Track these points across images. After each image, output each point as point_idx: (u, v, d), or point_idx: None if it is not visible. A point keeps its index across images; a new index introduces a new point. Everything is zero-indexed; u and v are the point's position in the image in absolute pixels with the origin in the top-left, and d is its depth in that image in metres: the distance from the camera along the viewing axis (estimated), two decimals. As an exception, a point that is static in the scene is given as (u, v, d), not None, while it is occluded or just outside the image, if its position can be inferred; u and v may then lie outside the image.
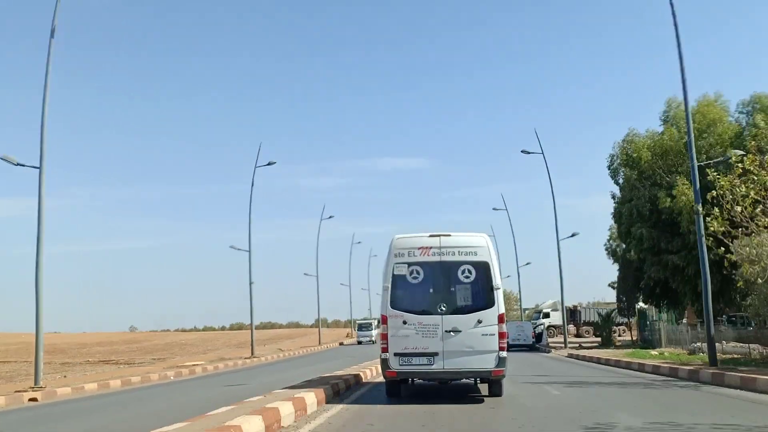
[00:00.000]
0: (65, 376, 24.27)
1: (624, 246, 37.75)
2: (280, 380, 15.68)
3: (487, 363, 10.26)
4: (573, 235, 35.87)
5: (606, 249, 46.95)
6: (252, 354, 33.17)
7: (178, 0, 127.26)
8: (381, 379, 12.58)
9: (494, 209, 49.31)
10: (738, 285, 19.53)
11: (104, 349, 55.28)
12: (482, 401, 10.73)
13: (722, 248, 15.43)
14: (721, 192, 14.60)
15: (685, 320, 37.38)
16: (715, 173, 14.91)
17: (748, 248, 15.56)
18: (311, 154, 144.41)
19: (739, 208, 14.50)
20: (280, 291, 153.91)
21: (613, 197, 35.47)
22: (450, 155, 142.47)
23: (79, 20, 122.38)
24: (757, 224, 14.98)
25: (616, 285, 42.57)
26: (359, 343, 52.34)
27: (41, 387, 15.73)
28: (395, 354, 10.35)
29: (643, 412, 9.08)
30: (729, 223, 15.09)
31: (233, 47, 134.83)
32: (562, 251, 34.20)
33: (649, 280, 32.65)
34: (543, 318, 54.73)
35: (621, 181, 34.24)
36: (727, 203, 14.59)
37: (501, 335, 10.27)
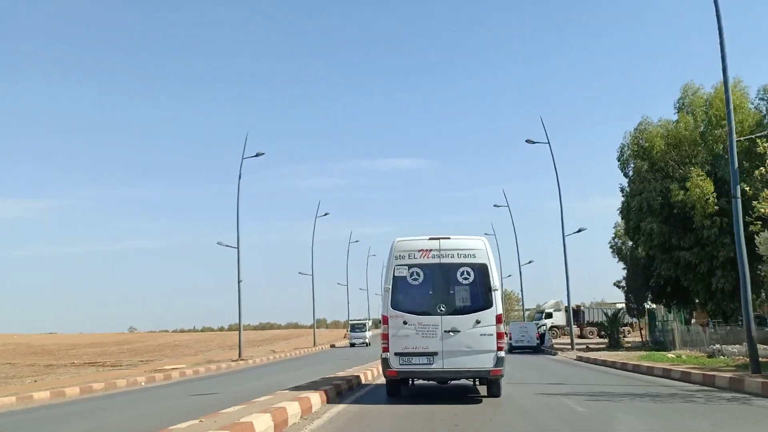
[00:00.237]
0: (35, 381, 22.87)
1: (631, 243, 35.96)
2: (258, 388, 14.24)
3: (486, 363, 10.43)
4: (579, 231, 34.16)
5: (611, 247, 45.06)
6: (239, 356, 31.31)
7: (178, 0, 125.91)
8: (380, 381, 12.66)
9: (495, 206, 48.02)
10: (764, 278, 17.62)
11: (94, 351, 54.07)
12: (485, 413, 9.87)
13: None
14: None
15: (693, 320, 35.58)
16: (766, 144, 13.10)
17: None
18: (311, 155, 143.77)
19: None
20: (280, 291, 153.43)
21: (622, 190, 33.67)
22: (450, 155, 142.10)
23: (79, 20, 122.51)
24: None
25: (622, 284, 40.89)
26: (352, 345, 47.96)
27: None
28: (396, 353, 10.58)
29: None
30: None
31: (233, 47, 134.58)
32: (561, 252, 32.42)
33: (659, 278, 30.88)
34: (545, 318, 53.02)
35: (631, 173, 32.41)
36: None
37: (499, 335, 10.46)
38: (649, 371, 17.43)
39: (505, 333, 36.15)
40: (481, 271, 10.64)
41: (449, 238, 10.95)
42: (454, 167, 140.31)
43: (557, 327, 53.56)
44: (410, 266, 10.75)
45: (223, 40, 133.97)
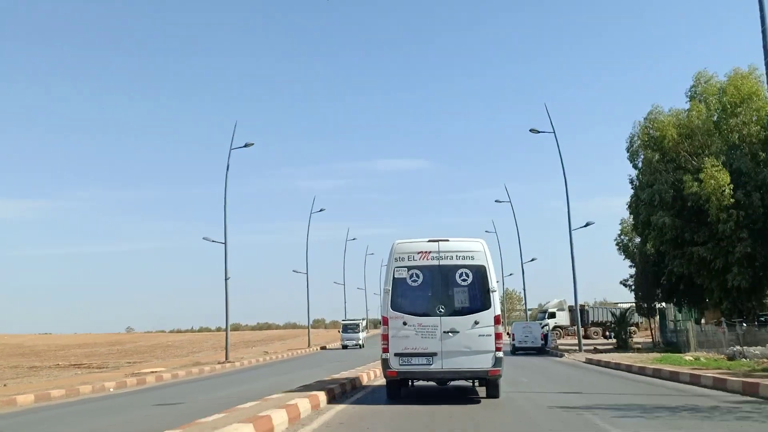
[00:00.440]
0: (5, 385, 21.64)
1: (639, 239, 34.25)
2: (234, 395, 12.92)
3: (484, 363, 10.57)
4: (587, 225, 32.44)
5: (617, 244, 43.32)
6: (226, 358, 29.60)
7: (178, 0, 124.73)
8: (380, 382, 12.95)
9: (497, 201, 46.73)
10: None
11: (83, 352, 53.09)
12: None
13: None
14: None
15: (703, 320, 33.88)
16: None
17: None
18: (311, 155, 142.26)
19: None
20: (280, 291, 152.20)
21: (631, 182, 31.98)
22: (450, 156, 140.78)
23: (79, 20, 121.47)
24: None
25: (629, 282, 39.21)
26: (344, 347, 44.13)
27: None
28: (395, 354, 10.71)
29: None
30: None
31: (233, 47, 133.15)
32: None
33: (670, 276, 29.14)
34: (548, 318, 51.29)
35: (640, 164, 30.75)
36: None
37: (497, 336, 10.61)
38: (674, 377, 15.37)
39: (508, 333, 34.89)
40: (480, 272, 10.80)
41: (448, 240, 11.11)
42: (453, 168, 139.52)
43: (561, 327, 51.97)
44: (410, 268, 10.91)
45: (223, 40, 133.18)
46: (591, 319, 53.27)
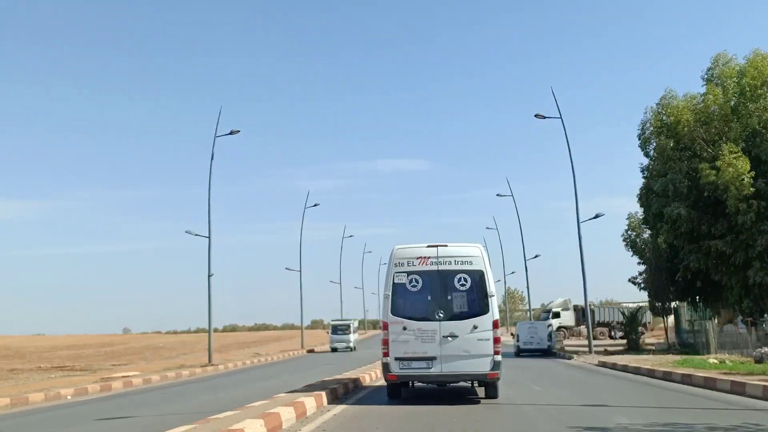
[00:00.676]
0: None
1: (650, 233, 32.23)
2: (206, 405, 11.69)
3: (483, 366, 10.72)
4: (597, 216, 30.49)
5: (624, 240, 41.16)
6: (209, 361, 27.65)
7: (178, 0, 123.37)
8: (381, 383, 13.18)
9: (498, 195, 44.82)
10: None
11: (70, 353, 51.15)
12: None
13: None
14: None
15: (715, 320, 31.89)
16: None
17: None
18: (310, 155, 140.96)
19: None
20: (279, 292, 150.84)
21: (643, 171, 30.02)
22: (450, 156, 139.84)
23: (79, 20, 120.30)
24: None
25: (639, 279, 37.13)
26: (333, 350, 41.22)
27: None
28: (396, 358, 10.90)
29: None
30: None
31: (233, 47, 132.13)
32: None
33: (686, 272, 27.14)
34: (553, 318, 49.41)
35: (653, 152, 28.79)
36: None
37: (496, 340, 10.74)
38: (709, 384, 13.22)
39: (512, 334, 33.02)
40: (478, 277, 10.91)
41: (447, 246, 11.21)
42: (453, 168, 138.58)
43: (565, 327, 50.16)
44: (409, 273, 11.03)
45: (223, 40, 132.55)
46: (597, 319, 51.42)
